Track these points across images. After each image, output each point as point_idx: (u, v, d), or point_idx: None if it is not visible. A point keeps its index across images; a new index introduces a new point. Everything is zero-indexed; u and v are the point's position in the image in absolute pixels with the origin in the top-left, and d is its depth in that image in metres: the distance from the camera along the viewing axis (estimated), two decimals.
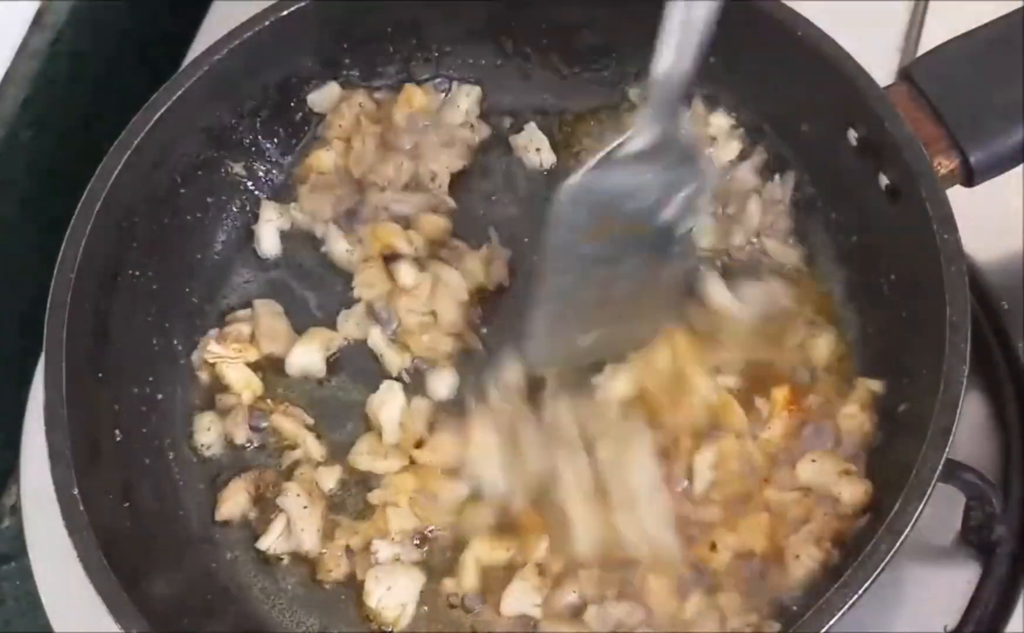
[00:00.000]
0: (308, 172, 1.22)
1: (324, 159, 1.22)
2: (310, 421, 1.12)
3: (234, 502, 1.08)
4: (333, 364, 1.15)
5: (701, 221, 1.12)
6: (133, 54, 1.42)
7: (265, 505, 1.09)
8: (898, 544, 0.89)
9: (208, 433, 1.12)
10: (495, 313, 1.15)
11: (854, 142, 1.08)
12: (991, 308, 1.13)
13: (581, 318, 1.05)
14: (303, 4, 1.15)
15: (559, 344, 1.06)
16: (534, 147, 1.22)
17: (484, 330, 1.14)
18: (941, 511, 1.01)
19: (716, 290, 1.11)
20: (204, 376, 1.14)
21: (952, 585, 1.04)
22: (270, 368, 1.15)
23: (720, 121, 1.19)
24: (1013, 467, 1.07)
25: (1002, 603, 1.03)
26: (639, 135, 0.97)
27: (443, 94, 1.24)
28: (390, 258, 1.17)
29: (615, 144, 0.97)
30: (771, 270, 1.13)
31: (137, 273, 1.12)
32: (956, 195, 1.01)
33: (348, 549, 1.06)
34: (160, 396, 1.12)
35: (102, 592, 0.92)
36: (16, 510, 1.20)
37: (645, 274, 1.04)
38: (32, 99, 1.30)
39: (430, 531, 1.06)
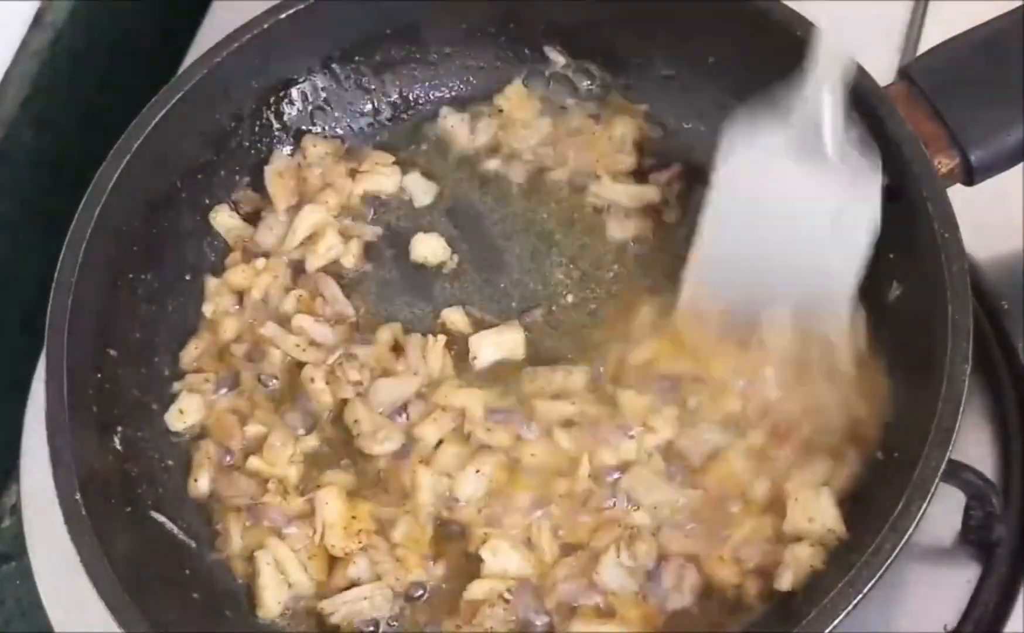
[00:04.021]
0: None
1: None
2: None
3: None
4: None
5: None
6: (133, 54, 1.42)
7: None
8: (902, 543, 0.89)
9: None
10: None
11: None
12: (991, 308, 1.13)
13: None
14: (302, 6, 1.16)
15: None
16: None
17: None
18: (941, 511, 1.01)
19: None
20: None
21: (952, 585, 1.04)
22: None
23: None
24: (1013, 467, 1.08)
25: (1002, 603, 1.03)
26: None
27: None
28: None
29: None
30: None
31: (139, 276, 1.12)
32: (956, 195, 1.01)
33: None
34: (161, 399, 1.12)
35: (106, 597, 0.92)
36: (16, 510, 1.20)
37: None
38: (32, 99, 1.30)
39: None
